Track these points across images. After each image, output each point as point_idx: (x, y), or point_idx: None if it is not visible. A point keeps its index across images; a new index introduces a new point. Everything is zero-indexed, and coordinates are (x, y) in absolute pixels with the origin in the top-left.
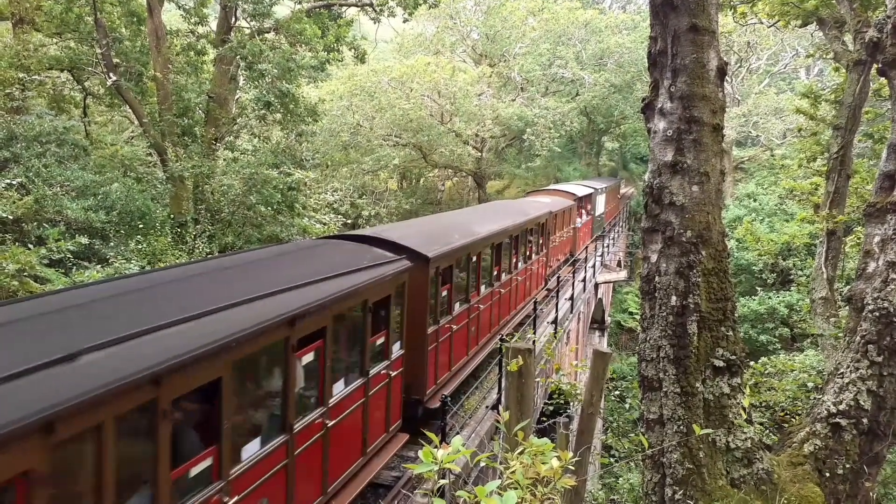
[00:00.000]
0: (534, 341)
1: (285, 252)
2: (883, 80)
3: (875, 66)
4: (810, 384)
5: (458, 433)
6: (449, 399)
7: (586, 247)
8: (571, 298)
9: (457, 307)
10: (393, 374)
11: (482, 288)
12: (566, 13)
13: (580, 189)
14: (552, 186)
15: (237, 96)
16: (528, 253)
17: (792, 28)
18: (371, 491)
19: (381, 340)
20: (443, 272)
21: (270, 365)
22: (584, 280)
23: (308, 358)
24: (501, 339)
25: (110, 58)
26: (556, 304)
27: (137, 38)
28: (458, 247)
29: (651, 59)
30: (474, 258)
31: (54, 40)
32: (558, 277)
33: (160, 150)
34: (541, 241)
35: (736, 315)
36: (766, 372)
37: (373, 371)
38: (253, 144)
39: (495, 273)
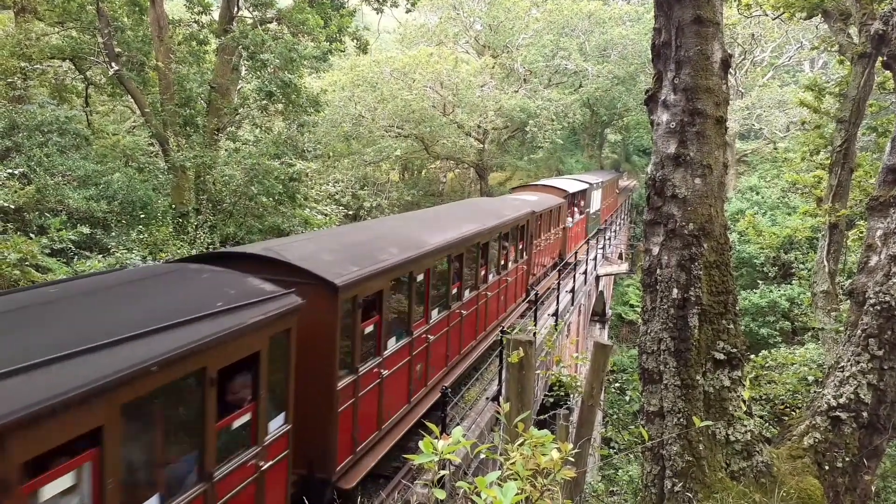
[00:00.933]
0: (534, 333)
1: (99, 289)
2: (887, 72)
3: (880, 58)
4: (811, 377)
5: (458, 424)
6: (449, 390)
7: (578, 249)
8: (572, 291)
9: (391, 344)
10: (268, 463)
11: (433, 313)
12: (570, 4)
13: (572, 185)
14: (540, 182)
15: (239, 86)
16: (502, 262)
17: (797, 20)
18: (372, 481)
19: (242, 420)
20: (365, 302)
21: None
22: (585, 273)
23: (61, 485)
24: (502, 332)
25: (112, 47)
26: (557, 297)
27: (139, 28)
28: (390, 266)
29: (655, 51)
30: (420, 277)
31: (56, 29)
32: (536, 293)
33: (162, 139)
34: (521, 247)
35: (737, 308)
36: (767, 365)
37: (222, 471)
38: (255, 135)
39: (454, 292)
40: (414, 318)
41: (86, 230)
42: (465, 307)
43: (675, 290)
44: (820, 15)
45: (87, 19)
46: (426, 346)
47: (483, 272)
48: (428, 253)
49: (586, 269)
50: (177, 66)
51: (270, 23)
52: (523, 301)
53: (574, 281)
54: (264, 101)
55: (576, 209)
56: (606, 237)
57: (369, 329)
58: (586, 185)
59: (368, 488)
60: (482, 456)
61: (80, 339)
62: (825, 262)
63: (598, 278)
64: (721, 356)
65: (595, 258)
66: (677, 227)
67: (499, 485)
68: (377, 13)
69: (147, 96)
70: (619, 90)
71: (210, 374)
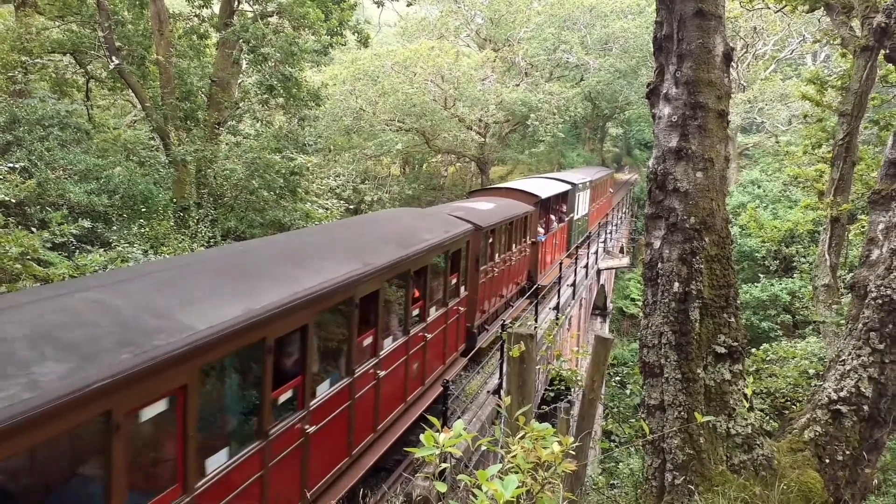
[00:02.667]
0: (535, 327)
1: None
2: (890, 66)
3: (882, 51)
4: (811, 371)
5: (459, 417)
6: (451, 384)
7: (558, 265)
8: (573, 285)
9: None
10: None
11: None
12: None
13: (548, 187)
14: (507, 185)
15: (240, 80)
16: (412, 315)
17: (799, 13)
18: (373, 474)
19: None
20: None
21: None
22: (586, 266)
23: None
24: (503, 327)
25: (113, 41)
26: (559, 291)
27: (140, 22)
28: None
29: (656, 44)
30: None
31: (57, 23)
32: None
33: (163, 133)
34: (453, 282)
35: (738, 302)
36: (768, 358)
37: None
38: (255, 129)
39: (283, 399)
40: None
41: (87, 224)
42: (320, 415)
43: (677, 284)
44: (822, 8)
45: (88, 13)
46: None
47: (368, 341)
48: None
49: (587, 264)
50: (177, 60)
51: (271, 16)
52: (461, 355)
53: (575, 275)
54: (265, 95)
55: (552, 217)
56: (600, 241)
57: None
58: (567, 187)
59: (370, 482)
60: (483, 449)
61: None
62: (826, 256)
63: (599, 272)
64: (722, 350)
65: (596, 252)
66: (679, 221)
67: (500, 478)
68: (378, 7)
69: (148, 90)
70: (620, 84)
71: None
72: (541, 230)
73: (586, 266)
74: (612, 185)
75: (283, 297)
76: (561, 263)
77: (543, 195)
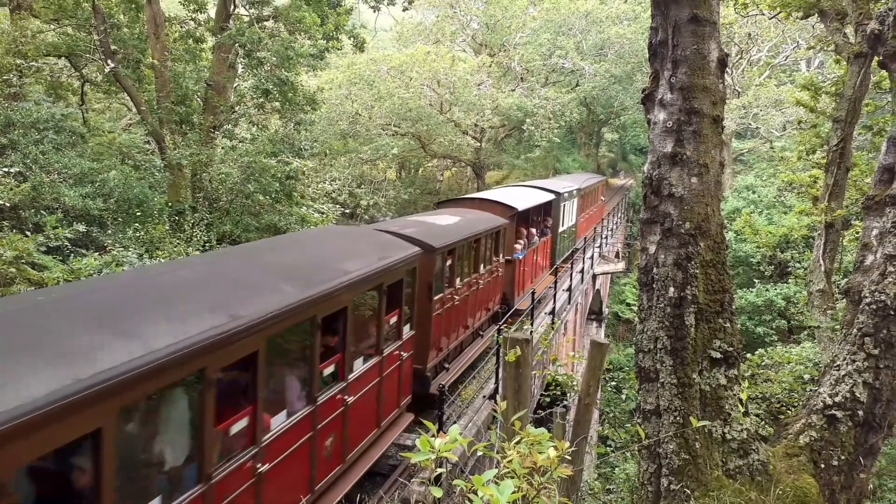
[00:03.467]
0: (531, 332)
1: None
2: (883, 72)
3: (876, 58)
4: (806, 376)
5: (455, 422)
6: (446, 388)
7: (540, 282)
8: (569, 290)
9: None
10: None
11: None
12: (567, 3)
13: (528, 197)
14: (480, 195)
15: (236, 84)
16: (325, 374)
17: (793, 20)
18: (368, 479)
19: None
20: None
21: None
22: (581, 271)
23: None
24: (499, 331)
25: (108, 45)
26: (555, 296)
27: (136, 25)
28: None
29: (651, 50)
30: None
31: (52, 26)
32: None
33: (158, 137)
34: (394, 322)
35: (733, 307)
36: (763, 364)
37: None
38: (251, 133)
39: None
40: None
41: (82, 228)
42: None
43: (672, 289)
44: (816, 14)
45: (83, 16)
46: None
47: (238, 427)
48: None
49: (583, 268)
50: (173, 63)
51: (267, 20)
52: (407, 409)
53: (571, 280)
54: (261, 99)
55: (534, 231)
56: (587, 256)
57: None
58: (551, 196)
59: (366, 486)
60: (479, 454)
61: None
62: (821, 261)
63: (594, 277)
64: (717, 355)
65: (592, 257)
66: (674, 226)
67: (495, 483)
68: (374, 11)
69: (143, 94)
70: (615, 89)
71: None
72: (518, 246)
73: (582, 271)
74: (603, 192)
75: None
76: (554, 282)
77: (521, 207)
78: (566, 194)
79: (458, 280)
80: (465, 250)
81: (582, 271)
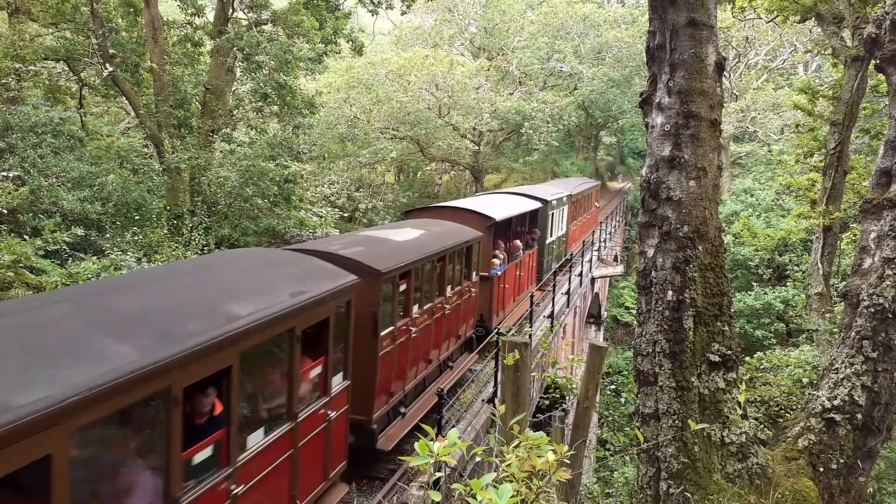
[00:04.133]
0: (530, 335)
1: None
2: (881, 76)
3: (873, 62)
4: (805, 379)
5: (454, 426)
6: (445, 392)
7: (524, 299)
8: (568, 293)
9: None
10: None
11: None
12: (565, 7)
13: (508, 205)
14: (454, 204)
15: (234, 88)
16: (195, 462)
17: (790, 24)
18: (367, 484)
19: None
20: None
21: None
22: (580, 275)
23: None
24: (498, 333)
25: (106, 48)
26: (553, 299)
27: (134, 29)
28: None
29: (649, 54)
30: None
31: (50, 30)
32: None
33: (156, 141)
34: (315, 375)
35: (732, 310)
36: (762, 367)
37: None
38: (250, 136)
39: None
40: None
41: (80, 232)
42: None
43: (670, 293)
44: (813, 18)
45: (82, 20)
46: None
47: None
48: None
49: (581, 272)
50: (171, 67)
51: (265, 24)
52: (342, 477)
53: (570, 283)
54: (259, 103)
55: (518, 243)
56: (575, 273)
57: None
58: (536, 205)
59: (364, 490)
60: (478, 458)
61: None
62: (819, 265)
63: (593, 280)
64: (716, 358)
65: (590, 260)
66: (672, 230)
67: (494, 487)
68: (372, 15)
69: (141, 98)
70: (613, 93)
71: None
72: (497, 261)
73: (580, 274)
74: (597, 198)
75: None
76: (553, 286)
77: (499, 216)
78: (554, 202)
79: (415, 308)
80: (426, 271)
81: (581, 275)
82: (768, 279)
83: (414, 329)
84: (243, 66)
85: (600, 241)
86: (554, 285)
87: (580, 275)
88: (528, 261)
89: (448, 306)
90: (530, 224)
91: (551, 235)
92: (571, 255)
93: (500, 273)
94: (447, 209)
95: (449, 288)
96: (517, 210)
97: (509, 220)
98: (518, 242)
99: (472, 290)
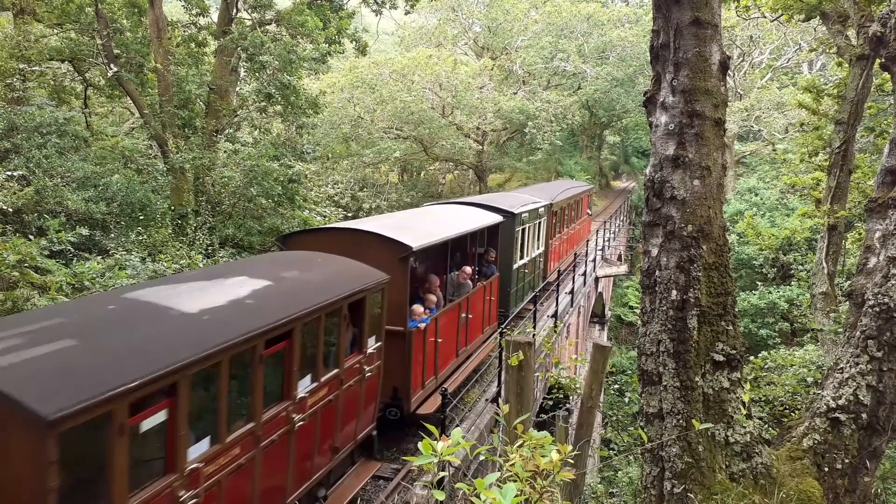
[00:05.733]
0: (533, 335)
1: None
2: (886, 74)
3: (878, 60)
4: (810, 379)
5: (457, 426)
6: (449, 392)
7: (481, 348)
8: (571, 293)
9: None
10: None
11: None
12: (568, 6)
13: (449, 223)
14: (357, 224)
15: (238, 88)
16: None
17: (795, 22)
18: (371, 483)
19: None
20: None
21: None
22: (584, 274)
23: None
24: (501, 333)
25: (111, 49)
26: (557, 299)
27: (138, 29)
28: None
29: (653, 53)
30: None
31: (55, 31)
32: None
33: (161, 141)
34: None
35: (736, 309)
36: (766, 366)
37: None
38: (253, 136)
39: None
40: None
41: (85, 232)
42: None
43: (674, 292)
44: (818, 17)
45: (86, 21)
46: None
47: None
48: None
49: (585, 272)
50: (175, 67)
51: (269, 24)
52: None
53: (573, 283)
54: (263, 103)
55: (464, 274)
56: (565, 290)
57: None
58: (497, 219)
59: (368, 490)
60: (481, 457)
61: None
62: (824, 264)
63: (597, 280)
64: (720, 357)
65: (594, 260)
66: (676, 229)
67: (498, 486)
68: (376, 15)
69: (146, 98)
70: (617, 92)
71: None
72: (421, 308)
73: (584, 274)
74: (589, 205)
75: None
76: (557, 285)
77: (421, 242)
78: (525, 214)
79: (224, 436)
80: (233, 371)
81: (584, 274)
82: (773, 278)
83: (243, 455)
84: (247, 66)
85: (581, 274)
86: (557, 284)
87: (584, 274)
88: (483, 295)
89: (302, 415)
90: (488, 243)
91: (522, 257)
92: (559, 272)
93: (424, 325)
94: (344, 233)
95: (323, 369)
96: (462, 229)
97: (444, 246)
98: (466, 272)
99: (369, 365)
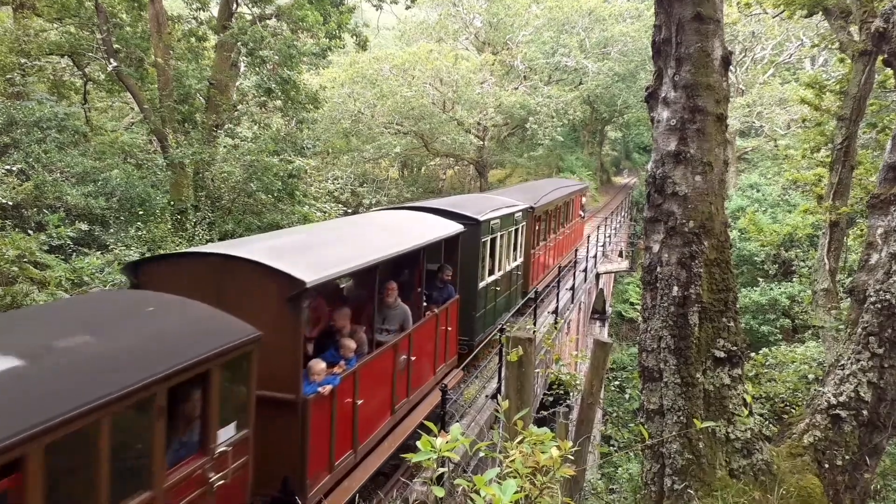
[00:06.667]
0: (534, 331)
1: None
2: (888, 70)
3: (880, 56)
4: (811, 376)
5: (457, 422)
6: (448, 388)
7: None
8: (572, 289)
9: None
10: None
11: None
12: (570, 1)
13: (387, 239)
14: (228, 248)
15: (238, 83)
16: None
17: (797, 18)
18: (370, 480)
19: None
20: None
21: None
22: (585, 270)
23: None
24: (501, 330)
25: (111, 43)
26: (557, 295)
27: (138, 24)
28: None
29: (655, 48)
30: None
31: (55, 25)
32: None
33: (160, 136)
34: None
35: (737, 306)
36: (767, 363)
37: None
38: (253, 131)
39: None
40: None
41: (84, 227)
42: None
43: (676, 288)
44: (820, 13)
45: (86, 15)
46: None
47: None
48: None
49: (586, 268)
50: (175, 62)
51: (269, 19)
52: None
53: (573, 279)
54: (263, 98)
55: (400, 307)
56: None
57: None
58: (455, 230)
59: (367, 486)
60: (481, 454)
61: None
62: (826, 260)
63: (598, 276)
64: (721, 354)
65: (595, 256)
66: (678, 225)
67: (498, 482)
68: (376, 10)
69: (145, 93)
70: (619, 87)
71: None
72: (321, 365)
73: (585, 271)
74: (581, 206)
75: None
76: (557, 282)
77: (325, 272)
78: (495, 221)
79: None
80: None
81: (585, 270)
82: (774, 275)
83: None
84: (247, 60)
85: (568, 287)
86: (558, 281)
87: (585, 271)
88: (434, 326)
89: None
90: (446, 259)
91: (491, 273)
92: (536, 292)
93: (330, 386)
94: (213, 260)
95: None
96: (402, 245)
97: (369, 272)
98: (391, 288)
99: (222, 469)
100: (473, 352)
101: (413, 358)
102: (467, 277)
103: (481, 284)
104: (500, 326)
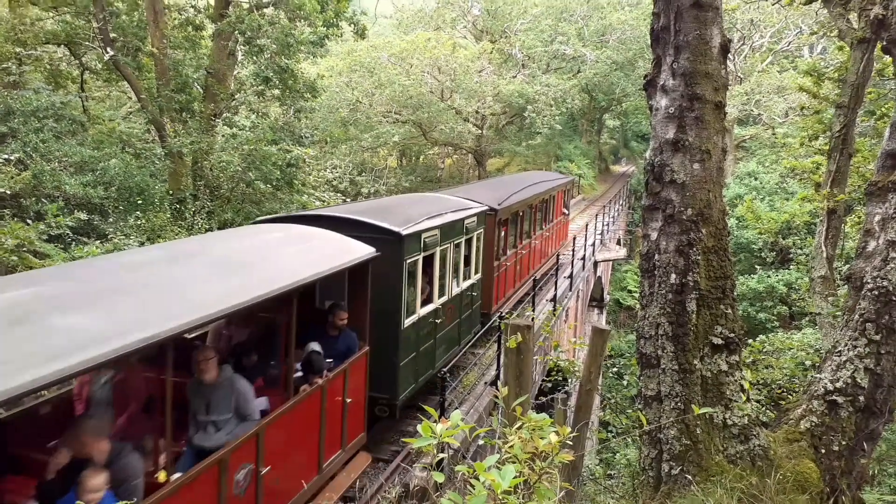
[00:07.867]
0: (533, 318)
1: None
2: (887, 58)
3: (879, 43)
4: (808, 362)
5: (457, 408)
6: (447, 374)
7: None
8: (570, 276)
9: None
10: None
11: None
12: None
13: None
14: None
15: (236, 72)
16: None
17: (796, 5)
18: (371, 465)
19: None
20: None
21: None
22: (583, 258)
23: None
24: (501, 317)
25: (107, 32)
26: (556, 282)
27: (135, 13)
28: None
29: (653, 36)
30: None
31: (51, 14)
32: None
33: (158, 125)
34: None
35: (735, 293)
36: (765, 350)
37: None
38: (251, 120)
39: None
40: None
41: (83, 216)
42: None
43: (674, 275)
44: (819, 0)
45: (82, 4)
46: None
47: None
48: None
49: (584, 256)
50: (173, 51)
51: (266, 7)
52: None
53: (572, 267)
54: (261, 87)
55: (202, 362)
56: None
57: None
58: (363, 254)
59: (367, 471)
60: (481, 440)
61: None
62: (823, 248)
63: (596, 264)
64: (719, 341)
65: (593, 244)
66: (676, 213)
67: (497, 468)
68: None
69: (143, 82)
70: (617, 75)
71: None
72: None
73: (583, 258)
74: (564, 203)
75: None
76: (556, 269)
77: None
78: (430, 233)
79: None
80: None
81: (584, 258)
82: (772, 262)
83: None
84: (245, 49)
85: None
86: (557, 268)
87: (583, 259)
88: (317, 402)
89: None
90: (350, 294)
91: (429, 300)
92: (501, 313)
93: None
94: None
95: None
96: (230, 300)
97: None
98: (206, 356)
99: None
100: (396, 413)
101: (265, 470)
102: (384, 314)
103: (408, 321)
104: (450, 364)
